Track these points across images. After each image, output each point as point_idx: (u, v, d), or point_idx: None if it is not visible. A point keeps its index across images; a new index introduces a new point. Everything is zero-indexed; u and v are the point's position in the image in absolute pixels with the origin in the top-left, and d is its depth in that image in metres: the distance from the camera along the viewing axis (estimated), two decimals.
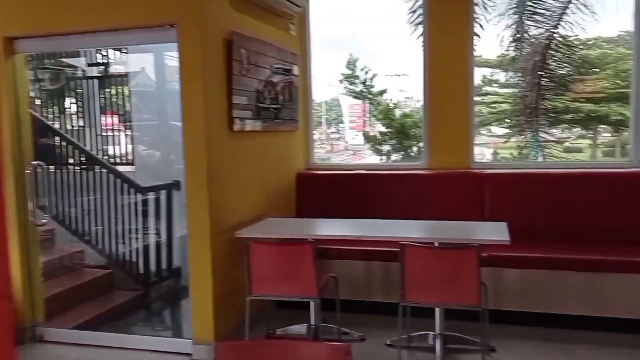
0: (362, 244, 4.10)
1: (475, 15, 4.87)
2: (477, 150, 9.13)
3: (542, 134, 7.77)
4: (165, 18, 3.49)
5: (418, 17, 5.24)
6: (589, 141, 9.10)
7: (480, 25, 6.31)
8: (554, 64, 7.13)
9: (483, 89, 9.06)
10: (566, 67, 7.46)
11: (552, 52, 7.01)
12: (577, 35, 7.01)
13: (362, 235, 3.41)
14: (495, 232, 3.44)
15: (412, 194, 4.67)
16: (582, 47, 7.45)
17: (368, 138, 8.23)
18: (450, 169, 4.73)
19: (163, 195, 5.25)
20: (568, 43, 7.13)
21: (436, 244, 3.31)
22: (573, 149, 9.04)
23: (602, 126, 8.65)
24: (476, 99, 9.50)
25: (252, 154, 4.13)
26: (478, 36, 6.00)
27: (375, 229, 3.69)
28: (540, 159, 7.24)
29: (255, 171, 4.18)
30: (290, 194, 4.87)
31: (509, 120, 8.35)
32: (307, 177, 5.00)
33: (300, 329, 3.86)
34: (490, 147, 9.51)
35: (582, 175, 4.41)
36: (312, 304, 3.70)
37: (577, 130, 9.05)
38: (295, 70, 4.72)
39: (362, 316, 4.15)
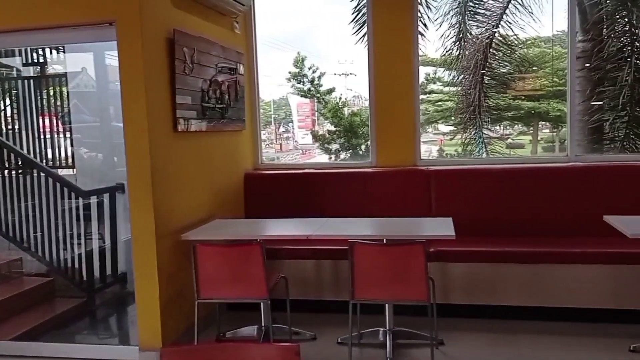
0: (311, 243, 4.08)
1: (418, 15, 4.95)
2: (424, 147, 9.29)
3: (487, 131, 7.96)
4: (103, 16, 3.37)
5: (363, 16, 5.28)
6: (530, 137, 9.62)
7: (425, 25, 6.45)
8: (495, 62, 7.33)
9: (428, 87, 9.25)
10: (507, 65, 7.71)
11: (493, 51, 7.19)
12: (516, 35, 7.24)
13: (311, 234, 3.39)
14: (441, 227, 3.50)
15: (361, 192, 4.70)
16: (521, 46, 7.64)
17: (316, 137, 8.23)
18: (397, 166, 4.78)
19: (106, 198, 5.09)
20: (508, 42, 7.34)
21: (384, 241, 3.34)
22: (515, 145, 9.12)
23: (542, 122, 8.87)
24: (422, 97, 9.70)
25: (198, 154, 4.05)
26: (423, 35, 6.14)
27: (325, 228, 3.69)
28: (484, 155, 7.43)
29: (202, 172, 4.11)
30: (239, 194, 4.82)
31: (454, 118, 8.54)
32: (256, 177, 4.96)
33: (250, 330, 3.81)
34: (437, 145, 9.72)
35: (523, 170, 4.55)
36: (262, 305, 3.67)
37: (519, 127, 9.37)
38: (241, 69, 4.67)
39: (313, 315, 4.14)
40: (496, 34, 7.27)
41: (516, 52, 7.56)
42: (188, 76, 3.76)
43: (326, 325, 3.96)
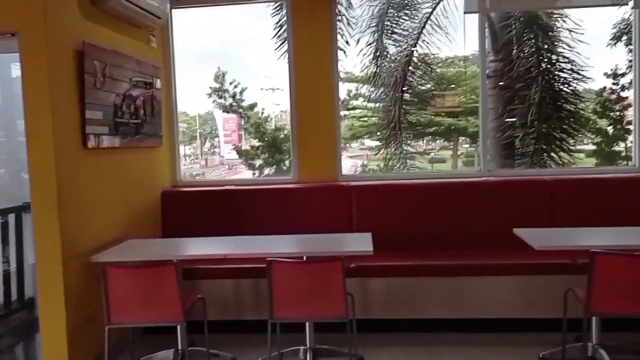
0: (231, 262, 4.00)
1: (339, 32, 5.02)
2: (350, 162, 9.39)
3: (407, 147, 8.16)
4: (5, 26, 3.18)
5: (285, 31, 5.29)
6: (450, 152, 9.91)
7: (347, 42, 6.56)
8: (415, 80, 7.56)
9: (354, 103, 9.41)
10: (427, 83, 7.98)
11: (412, 69, 7.41)
12: (435, 54, 7.52)
13: (228, 254, 3.31)
14: (360, 242, 3.51)
15: (283, 208, 4.66)
16: (440, 64, 8.03)
17: (240, 152, 8.16)
18: (319, 182, 4.79)
19: (12, 219, 4.78)
20: (427, 61, 7.60)
21: (304, 258, 3.31)
22: (437, 159, 9.83)
23: (462, 138, 9.45)
24: (347, 112, 9.83)
25: (110, 171, 3.88)
26: (343, 51, 6.24)
27: (245, 246, 3.62)
28: (405, 171, 7.61)
29: (115, 190, 3.93)
30: (155, 213, 4.65)
31: (379, 133, 8.72)
32: (174, 195, 4.81)
33: (166, 355, 3.66)
34: (364, 159, 9.88)
35: (439, 185, 4.67)
36: (178, 328, 3.53)
37: (440, 142, 9.97)
38: (158, 83, 4.54)
39: (233, 336, 4.04)
40: (414, 53, 7.50)
41: (435, 71, 7.86)
42: (99, 90, 3.61)
43: (246, 345, 3.87)
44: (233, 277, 4.15)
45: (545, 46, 6.22)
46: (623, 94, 7.47)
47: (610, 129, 7.53)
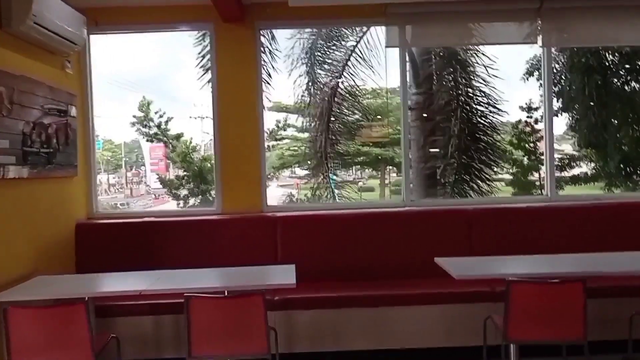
0: (150, 298, 3.81)
1: (263, 63, 5.03)
2: (282, 190, 9.30)
3: (335, 176, 8.25)
4: None
5: (208, 61, 5.23)
6: (379, 181, 10.13)
7: (269, 74, 6.58)
8: (342, 111, 7.67)
9: (283, 133, 9.43)
10: (354, 114, 8.13)
11: (338, 100, 7.53)
12: (361, 86, 7.67)
13: (145, 289, 3.15)
14: (283, 275, 3.44)
15: (206, 241, 4.53)
16: (367, 96, 8.22)
17: (164, 182, 7.94)
18: (244, 213, 4.71)
19: None
20: (353, 92, 7.75)
21: (226, 293, 3.21)
22: (366, 189, 10.06)
23: (389, 167, 9.63)
24: (274, 143, 9.79)
25: (17, 204, 3.64)
26: (269, 83, 6.26)
27: (164, 281, 3.46)
28: (332, 200, 7.64)
29: (22, 223, 3.69)
30: (69, 247, 4.40)
31: (310, 162, 8.77)
32: (89, 228, 4.58)
33: None
34: (295, 188, 9.87)
35: (365, 215, 4.70)
36: None
37: (369, 171, 10.19)
38: (73, 111, 4.34)
39: None
40: (340, 84, 7.63)
41: (361, 102, 8.01)
42: (6, 118, 3.40)
43: None
44: (152, 313, 3.97)
45: (463, 80, 6.50)
46: (536, 127, 7.90)
47: (525, 160, 7.93)
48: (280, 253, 4.51)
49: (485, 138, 6.55)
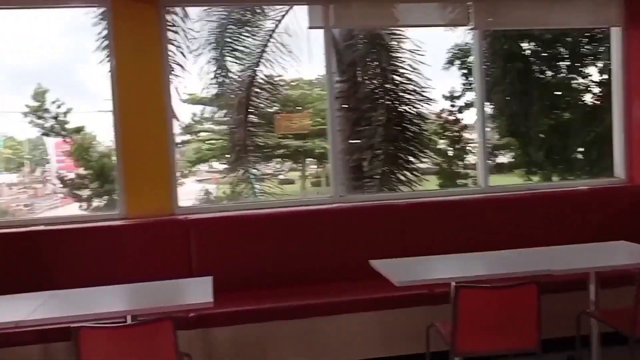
0: (38, 324, 3.17)
1: (171, 47, 4.44)
2: (199, 186, 8.63)
3: (255, 170, 7.79)
4: None
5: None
6: (299, 173, 9.72)
7: (183, 55, 5.95)
8: (261, 101, 7.15)
9: (200, 126, 8.78)
10: (274, 105, 7.68)
11: (257, 90, 7.00)
12: (281, 76, 7.18)
13: (22, 320, 2.54)
14: (198, 290, 2.94)
15: (107, 252, 3.90)
16: (286, 87, 7.76)
17: (64, 182, 7.08)
18: (152, 216, 4.11)
19: None
20: (272, 82, 7.27)
21: (128, 320, 2.66)
22: (286, 181, 9.48)
23: (309, 159, 9.14)
24: (191, 136, 9.15)
25: None
26: (181, 67, 5.64)
27: (52, 306, 2.85)
28: (255, 197, 7.12)
29: None
30: None
31: (229, 156, 8.25)
32: None
33: None
34: (212, 183, 9.28)
35: (290, 214, 4.27)
36: None
37: (289, 164, 9.58)
38: None
39: None
40: (258, 73, 7.10)
41: (281, 93, 7.57)
42: None
43: None
44: (41, 341, 3.32)
45: (389, 67, 6.18)
46: (459, 116, 7.76)
47: (449, 150, 7.78)
48: (195, 261, 3.97)
49: (412, 127, 6.28)
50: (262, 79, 7.17)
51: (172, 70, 5.21)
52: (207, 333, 3.46)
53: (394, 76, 6.27)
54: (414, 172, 6.29)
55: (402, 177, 6.16)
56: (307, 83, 8.07)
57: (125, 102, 4.16)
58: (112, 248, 3.92)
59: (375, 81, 6.22)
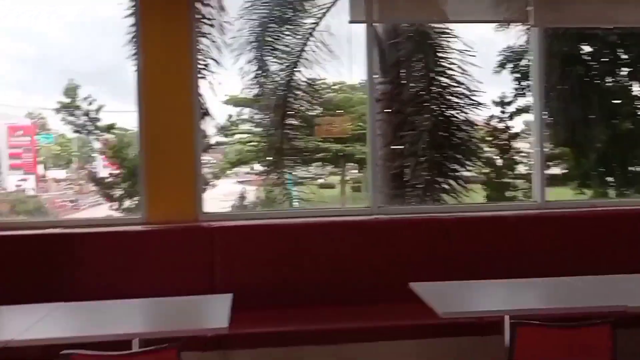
0: (29, 344, 2.88)
1: (206, 41, 4.15)
2: (235, 189, 8.35)
3: (292, 174, 7.50)
4: None
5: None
6: (339, 178, 9.33)
7: (219, 49, 5.65)
8: (300, 104, 6.81)
9: (235, 127, 8.55)
10: (314, 108, 7.40)
11: (296, 91, 6.65)
12: (323, 79, 6.89)
13: (11, 340, 2.24)
14: (215, 310, 2.61)
15: (124, 260, 3.60)
16: (328, 90, 7.53)
17: (97, 181, 6.89)
18: (175, 222, 3.80)
19: None
20: (313, 85, 6.95)
21: (134, 345, 2.34)
22: (326, 185, 9.29)
23: (350, 164, 8.89)
24: (229, 138, 8.92)
25: None
26: (217, 62, 5.33)
27: (50, 323, 2.56)
28: (290, 202, 6.77)
29: None
30: None
31: (270, 158, 7.97)
32: None
33: None
34: (253, 185, 9.07)
35: (324, 225, 3.88)
36: None
37: (329, 168, 9.31)
38: None
39: None
40: (297, 74, 6.76)
41: (322, 96, 7.28)
42: None
43: None
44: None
45: (437, 68, 5.72)
46: (509, 123, 7.25)
47: (496, 159, 7.27)
48: (218, 273, 3.63)
49: (459, 134, 5.80)
50: (303, 81, 6.84)
51: (206, 67, 4.96)
52: (226, 356, 3.12)
53: (442, 78, 5.81)
54: (460, 182, 5.80)
55: (446, 187, 5.69)
56: (350, 87, 7.88)
57: (151, 99, 3.88)
58: (130, 255, 3.62)
59: (420, 83, 5.77)
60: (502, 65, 7.85)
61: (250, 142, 8.70)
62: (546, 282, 3.08)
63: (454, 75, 5.81)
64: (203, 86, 4.08)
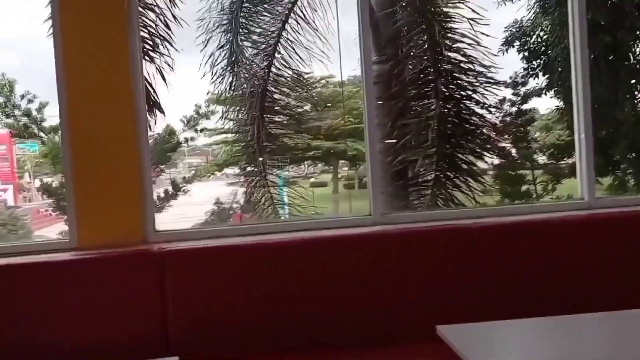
0: None
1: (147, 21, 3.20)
2: (229, 189, 7.48)
3: (279, 177, 6.71)
4: None
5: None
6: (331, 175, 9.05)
7: (167, 26, 4.67)
8: (278, 90, 5.88)
9: (206, 122, 7.75)
10: (305, 104, 6.84)
11: (274, 76, 5.72)
12: (310, 73, 6.14)
13: None
14: None
15: (49, 302, 2.66)
16: (315, 85, 7.04)
17: (48, 191, 5.95)
18: (115, 246, 2.85)
19: None
20: (302, 80, 6.10)
21: None
22: (318, 184, 9.18)
23: (341, 161, 8.81)
24: (217, 137, 8.16)
25: None
26: (169, 42, 4.42)
27: None
28: (274, 208, 5.84)
29: None
30: None
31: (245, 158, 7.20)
32: None
33: None
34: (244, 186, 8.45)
35: (315, 241, 2.95)
36: None
37: (320, 166, 9.25)
38: None
39: None
40: (276, 62, 5.83)
41: (309, 91, 6.52)
42: None
43: None
44: None
45: (445, 40, 4.75)
46: (525, 107, 6.36)
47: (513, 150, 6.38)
48: (173, 312, 2.69)
49: (473, 119, 4.86)
50: (286, 74, 5.95)
51: (154, 48, 4.00)
52: None
53: (450, 53, 4.85)
54: (477, 177, 4.84)
55: (461, 184, 4.74)
56: (337, 84, 7.57)
57: (75, 91, 2.93)
58: (54, 295, 2.67)
59: (424, 60, 4.81)
60: (509, 43, 6.97)
61: (237, 141, 7.91)
62: (611, 317, 2.17)
63: (464, 49, 4.86)
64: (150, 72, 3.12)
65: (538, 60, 7.13)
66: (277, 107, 6.15)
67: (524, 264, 2.89)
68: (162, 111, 4.70)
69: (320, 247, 2.89)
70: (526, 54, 7.02)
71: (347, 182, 9.28)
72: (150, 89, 4.24)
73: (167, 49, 4.53)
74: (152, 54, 4.25)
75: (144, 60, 3.17)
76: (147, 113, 3.34)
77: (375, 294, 2.78)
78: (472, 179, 4.82)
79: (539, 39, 6.94)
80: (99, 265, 2.79)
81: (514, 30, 6.96)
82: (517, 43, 6.99)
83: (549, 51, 6.67)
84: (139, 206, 2.98)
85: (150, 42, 4.25)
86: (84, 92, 2.93)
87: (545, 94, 6.89)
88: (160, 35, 4.42)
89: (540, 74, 6.94)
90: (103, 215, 2.94)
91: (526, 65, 7.02)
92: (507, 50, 6.82)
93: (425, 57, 4.78)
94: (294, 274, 2.80)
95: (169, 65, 4.60)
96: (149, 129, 3.18)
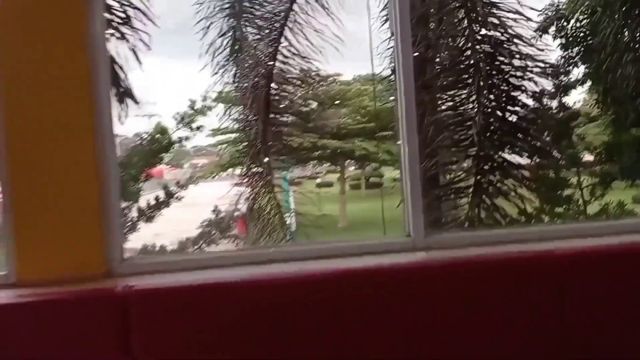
0: None
1: None
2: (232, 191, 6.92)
3: (286, 180, 6.18)
4: None
5: None
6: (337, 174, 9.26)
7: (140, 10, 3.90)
8: (281, 79, 5.18)
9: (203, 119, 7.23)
10: (309, 103, 6.59)
11: (280, 64, 5.00)
12: (316, 70, 5.70)
13: None
14: None
15: None
16: (322, 83, 6.82)
17: None
18: (65, 282, 2.10)
19: None
20: (307, 79, 5.53)
21: None
22: (324, 184, 9.50)
23: (348, 161, 8.93)
24: (222, 137, 7.68)
25: None
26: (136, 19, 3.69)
27: None
28: (276, 219, 5.09)
29: None
30: None
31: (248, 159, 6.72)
32: None
33: None
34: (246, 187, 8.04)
35: (337, 276, 2.18)
36: None
37: (326, 166, 9.47)
38: None
39: None
40: (282, 50, 5.13)
41: (316, 88, 6.34)
42: None
43: None
44: None
45: (484, 19, 3.92)
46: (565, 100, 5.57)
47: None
48: None
49: (521, 112, 4.03)
50: (296, 72, 5.38)
51: (125, 21, 3.20)
52: None
53: (493, 34, 4.00)
54: (526, 182, 4.02)
55: (510, 191, 3.91)
56: (345, 83, 7.50)
57: (12, 76, 2.18)
58: None
59: (461, 44, 3.99)
60: (544, 30, 6.21)
61: (241, 142, 7.34)
62: None
63: (510, 28, 4.04)
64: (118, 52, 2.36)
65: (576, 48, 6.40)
66: (285, 108, 5.55)
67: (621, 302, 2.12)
68: (135, 101, 3.84)
69: (344, 284, 2.12)
70: (562, 41, 6.27)
71: (353, 182, 9.49)
72: (120, 72, 3.44)
73: (144, 23, 3.70)
74: (122, 29, 3.42)
75: (111, 37, 2.39)
76: (119, 104, 2.58)
77: (418, 349, 2.01)
78: (520, 183, 3.99)
79: (578, 24, 6.21)
80: (42, 309, 2.03)
81: (549, 13, 6.22)
82: (552, 28, 6.25)
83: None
84: (100, 228, 2.22)
85: (123, 14, 3.42)
86: (23, 78, 2.18)
87: (581, 85, 6.16)
88: (132, 4, 3.57)
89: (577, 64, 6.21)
90: (52, 241, 2.19)
91: (564, 54, 6.27)
92: (541, 36, 6.05)
93: (461, 40, 3.95)
94: (309, 322, 2.04)
95: (144, 43, 3.74)
96: (118, 123, 2.42)
